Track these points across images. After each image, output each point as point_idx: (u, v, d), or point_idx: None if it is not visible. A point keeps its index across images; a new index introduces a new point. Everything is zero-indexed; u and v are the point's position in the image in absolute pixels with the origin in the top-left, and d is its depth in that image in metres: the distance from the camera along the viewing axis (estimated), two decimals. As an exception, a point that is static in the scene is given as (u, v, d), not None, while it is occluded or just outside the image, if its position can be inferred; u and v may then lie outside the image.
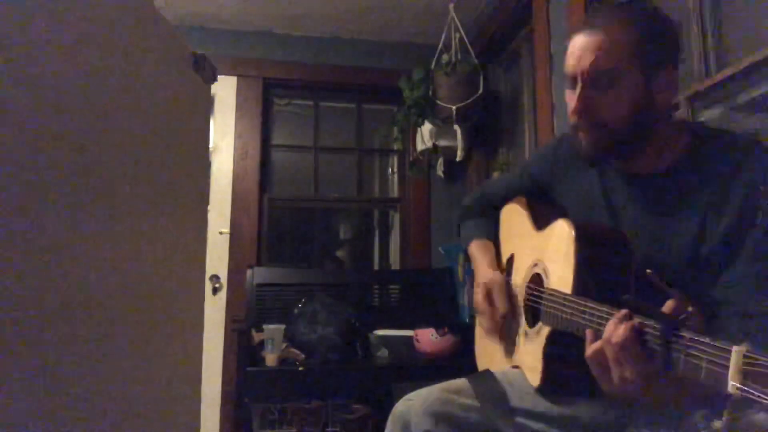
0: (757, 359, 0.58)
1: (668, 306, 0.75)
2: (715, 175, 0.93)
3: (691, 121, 1.49)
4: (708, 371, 0.64)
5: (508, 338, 1.23)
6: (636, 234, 1.01)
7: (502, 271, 1.27)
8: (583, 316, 0.89)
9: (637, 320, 0.77)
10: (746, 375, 0.59)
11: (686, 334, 0.69)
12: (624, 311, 0.78)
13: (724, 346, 0.63)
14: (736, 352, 0.60)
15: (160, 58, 1.18)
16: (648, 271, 0.78)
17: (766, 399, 0.56)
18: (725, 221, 0.89)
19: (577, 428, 1.05)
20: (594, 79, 0.96)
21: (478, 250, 1.33)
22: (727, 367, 0.61)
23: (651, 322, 0.75)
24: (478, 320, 1.47)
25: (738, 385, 0.59)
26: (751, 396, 0.57)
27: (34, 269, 0.77)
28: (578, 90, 0.98)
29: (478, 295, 1.24)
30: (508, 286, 1.23)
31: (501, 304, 1.19)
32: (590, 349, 0.82)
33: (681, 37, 1.03)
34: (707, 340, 0.66)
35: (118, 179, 0.99)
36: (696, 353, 0.67)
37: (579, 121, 0.99)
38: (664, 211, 0.99)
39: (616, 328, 0.78)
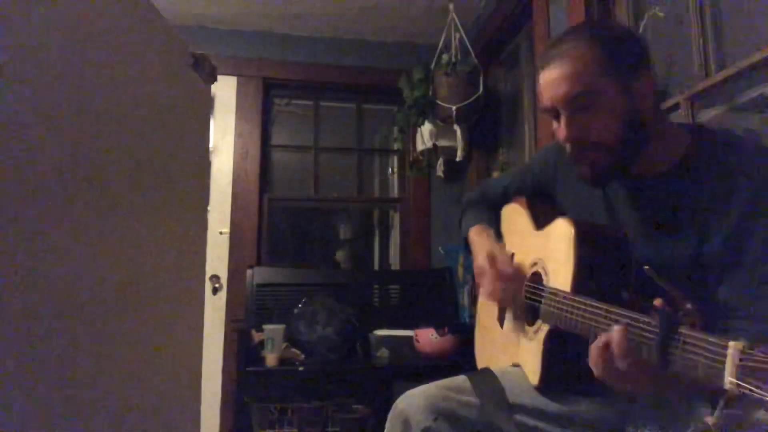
0: (753, 354, 0.59)
1: (659, 302, 0.75)
2: (716, 177, 0.92)
3: (691, 124, 1.49)
4: (705, 367, 0.64)
5: (508, 337, 1.23)
6: (637, 238, 1.00)
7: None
8: (583, 314, 0.89)
9: (632, 324, 0.77)
10: (743, 370, 0.59)
11: (683, 330, 0.69)
12: (622, 327, 0.78)
13: (720, 342, 0.63)
14: (733, 348, 0.61)
15: (160, 57, 1.18)
16: (645, 267, 0.79)
17: (762, 394, 0.56)
18: (727, 224, 0.89)
19: (577, 425, 1.05)
20: (574, 106, 0.97)
21: (478, 235, 1.30)
22: (723, 363, 0.61)
23: (648, 319, 0.75)
24: (478, 314, 1.47)
25: (735, 381, 0.59)
26: (747, 391, 0.58)
27: (33, 269, 0.77)
28: (563, 120, 0.99)
29: (480, 262, 1.20)
30: (510, 255, 1.21)
31: (503, 265, 1.16)
32: (592, 354, 0.82)
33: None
34: (704, 336, 0.66)
35: (117, 179, 0.99)
36: (693, 349, 0.67)
37: (574, 148, 1.00)
38: (665, 214, 0.99)
39: (614, 337, 0.78)
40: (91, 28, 0.93)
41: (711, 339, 0.64)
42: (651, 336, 0.74)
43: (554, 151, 1.24)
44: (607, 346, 0.79)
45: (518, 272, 1.18)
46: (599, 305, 0.85)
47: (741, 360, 0.59)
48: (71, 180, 0.86)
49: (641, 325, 0.76)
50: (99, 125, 0.94)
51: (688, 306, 0.71)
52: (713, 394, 0.67)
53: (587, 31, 0.99)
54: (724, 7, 1.52)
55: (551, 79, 0.98)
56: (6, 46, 0.73)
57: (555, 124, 1.02)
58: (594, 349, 0.82)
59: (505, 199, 1.36)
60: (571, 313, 0.92)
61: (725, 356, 0.61)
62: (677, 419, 0.91)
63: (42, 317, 0.79)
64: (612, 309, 0.83)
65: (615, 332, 0.78)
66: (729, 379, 0.60)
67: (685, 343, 0.68)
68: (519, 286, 1.16)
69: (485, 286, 1.20)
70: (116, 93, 1.00)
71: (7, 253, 0.72)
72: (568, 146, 1.01)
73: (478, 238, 1.30)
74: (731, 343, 0.61)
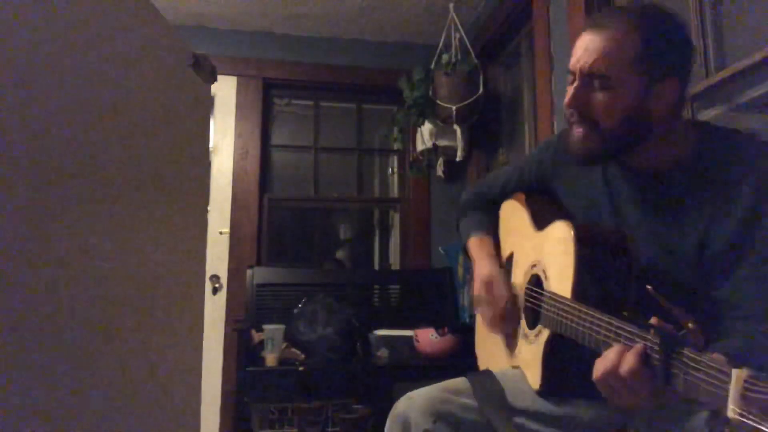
0: (757, 384, 0.57)
1: (655, 320, 0.74)
2: (721, 174, 0.92)
3: (696, 121, 1.48)
4: (708, 393, 0.63)
5: (508, 339, 1.23)
6: (640, 233, 1.00)
7: (501, 267, 1.27)
8: (584, 324, 0.88)
9: (641, 345, 0.76)
10: (746, 400, 0.58)
11: (686, 351, 0.68)
12: (638, 347, 0.76)
13: (724, 369, 0.62)
14: (736, 376, 0.59)
15: (160, 58, 1.18)
16: (648, 287, 0.77)
17: (765, 427, 0.55)
18: (732, 222, 0.88)
19: (577, 428, 1.05)
20: (590, 80, 0.96)
21: (477, 246, 1.31)
22: (727, 390, 0.60)
23: (650, 336, 0.74)
24: (478, 315, 1.47)
25: (738, 410, 0.58)
26: (750, 423, 0.57)
27: (34, 269, 0.77)
28: (575, 85, 0.98)
29: (477, 288, 1.23)
30: (507, 278, 1.22)
31: (501, 295, 1.18)
32: (598, 373, 0.81)
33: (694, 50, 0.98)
34: (707, 360, 0.65)
35: (117, 179, 0.99)
36: (696, 373, 0.66)
37: (571, 114, 0.99)
38: (669, 210, 0.98)
39: (623, 358, 0.77)
40: (91, 28, 0.93)
41: (714, 365, 0.63)
42: (654, 355, 0.73)
43: (552, 145, 1.23)
44: (617, 364, 0.77)
45: (515, 299, 1.19)
46: (601, 316, 0.84)
47: (745, 389, 0.58)
48: (71, 180, 0.86)
49: (644, 342, 0.75)
50: (98, 125, 0.94)
51: (690, 325, 0.70)
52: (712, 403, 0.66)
53: (645, 18, 0.96)
54: (724, 7, 1.52)
55: (585, 43, 0.97)
56: (6, 46, 0.73)
57: (569, 88, 1.00)
58: (601, 364, 0.80)
59: (504, 197, 1.35)
60: (572, 321, 0.92)
61: (728, 384, 0.60)
62: (677, 423, 0.90)
63: (42, 317, 0.78)
64: (614, 321, 0.81)
65: (629, 354, 0.76)
66: (732, 408, 0.59)
67: (687, 365, 0.67)
68: (516, 314, 1.18)
69: (483, 317, 1.24)
70: (116, 93, 1.00)
71: (8, 253, 0.72)
72: (567, 109, 0.99)
73: (478, 251, 1.30)
74: (734, 371, 0.60)
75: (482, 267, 1.26)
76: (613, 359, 0.78)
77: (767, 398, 0.56)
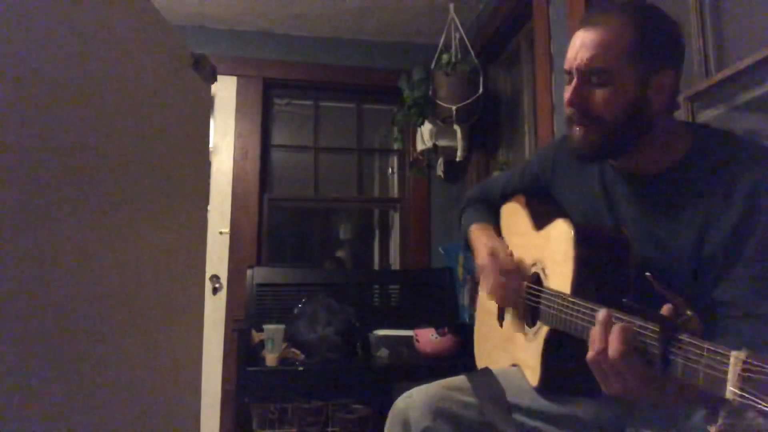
0: (756, 365, 0.58)
1: (666, 309, 0.75)
2: (717, 176, 0.92)
3: (693, 122, 1.49)
4: (707, 376, 0.64)
5: (507, 336, 1.23)
6: (637, 235, 1.00)
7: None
8: (582, 317, 0.89)
9: (629, 325, 0.76)
10: (745, 381, 0.58)
11: (685, 338, 0.69)
12: (604, 315, 0.78)
13: (723, 351, 0.62)
14: (735, 358, 0.60)
15: (160, 58, 1.18)
16: (647, 274, 0.78)
17: (764, 406, 0.56)
18: (728, 222, 0.89)
19: (576, 426, 1.05)
20: (589, 76, 0.97)
21: (479, 232, 1.31)
22: (726, 373, 0.60)
23: (649, 326, 0.74)
24: (477, 314, 1.47)
25: (737, 392, 0.58)
26: (749, 402, 0.57)
27: (34, 269, 0.77)
28: (573, 83, 0.98)
29: (482, 255, 1.21)
30: (509, 250, 1.21)
31: (505, 261, 1.17)
32: (590, 357, 0.82)
33: (686, 41, 1.00)
34: (706, 344, 0.65)
35: (117, 179, 0.99)
36: (694, 358, 0.66)
37: (572, 113, 1.00)
38: (666, 211, 0.99)
39: (609, 339, 0.78)
40: (91, 28, 0.93)
41: (713, 348, 0.64)
42: (651, 342, 0.73)
43: (553, 149, 1.24)
44: (604, 345, 0.78)
45: (520, 268, 1.18)
46: (599, 308, 0.85)
47: (743, 370, 0.58)
48: (70, 180, 0.86)
49: (641, 329, 0.75)
50: (99, 125, 0.94)
51: (689, 312, 0.70)
52: (714, 402, 0.66)
53: (637, 12, 0.97)
54: (724, 7, 1.52)
55: (580, 40, 0.98)
56: (6, 47, 0.73)
57: (567, 88, 1.01)
58: (591, 346, 0.81)
59: (505, 198, 1.36)
60: (571, 316, 0.92)
61: (727, 365, 0.60)
62: (676, 422, 0.91)
63: (42, 317, 0.79)
64: (612, 312, 0.82)
65: (613, 332, 0.77)
66: (731, 389, 0.59)
67: (686, 350, 0.68)
68: (520, 283, 1.16)
69: (486, 282, 1.20)
70: (116, 93, 1.00)
71: (8, 253, 0.72)
72: (568, 109, 1.00)
73: (480, 235, 1.29)
74: (733, 353, 0.60)
75: (485, 242, 1.24)
76: (598, 342, 0.79)
77: (766, 378, 0.56)
